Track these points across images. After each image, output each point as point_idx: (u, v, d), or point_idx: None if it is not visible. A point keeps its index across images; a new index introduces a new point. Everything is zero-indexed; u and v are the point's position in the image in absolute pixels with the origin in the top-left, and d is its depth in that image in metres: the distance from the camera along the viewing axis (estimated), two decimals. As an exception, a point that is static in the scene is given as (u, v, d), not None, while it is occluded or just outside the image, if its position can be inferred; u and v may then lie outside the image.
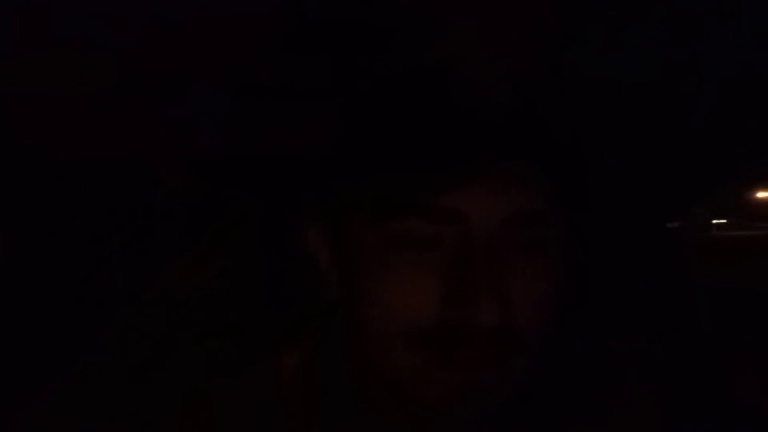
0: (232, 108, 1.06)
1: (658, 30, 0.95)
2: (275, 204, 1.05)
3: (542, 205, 0.54)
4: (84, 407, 0.98)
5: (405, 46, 0.60)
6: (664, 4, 0.94)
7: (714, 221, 2.72)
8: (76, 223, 1.10)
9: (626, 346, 0.69)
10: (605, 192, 0.89)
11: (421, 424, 0.59)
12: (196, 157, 1.11)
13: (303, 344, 0.65)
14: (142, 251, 1.10)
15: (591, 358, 0.67)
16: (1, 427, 0.96)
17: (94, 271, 1.09)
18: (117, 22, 1.02)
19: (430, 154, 0.52)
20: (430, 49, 0.57)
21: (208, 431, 0.62)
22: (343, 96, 0.65)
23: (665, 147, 1.01)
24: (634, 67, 0.96)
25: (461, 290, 0.52)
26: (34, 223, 1.10)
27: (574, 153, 0.56)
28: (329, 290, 0.61)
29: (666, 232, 1.08)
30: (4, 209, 1.08)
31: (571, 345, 0.66)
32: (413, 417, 0.59)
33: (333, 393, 0.62)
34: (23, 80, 1.04)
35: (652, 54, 0.96)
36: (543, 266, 0.54)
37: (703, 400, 0.67)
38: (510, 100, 0.54)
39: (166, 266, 1.10)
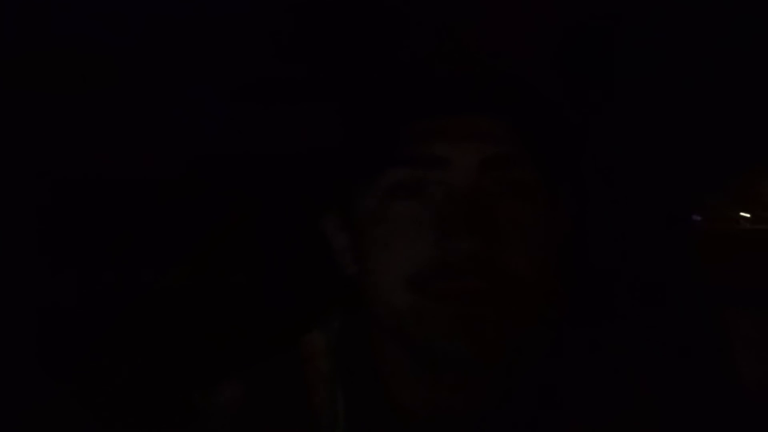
0: (235, 106, 1.06)
1: (675, 17, 0.95)
2: (292, 198, 1.06)
3: (518, 149, 0.59)
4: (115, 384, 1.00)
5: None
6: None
7: (742, 214, 2.72)
8: (88, 220, 1.11)
9: (626, 347, 0.69)
10: (610, 178, 0.90)
11: (437, 398, 0.61)
12: (206, 154, 1.11)
13: (327, 325, 0.70)
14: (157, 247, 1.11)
15: (591, 358, 0.67)
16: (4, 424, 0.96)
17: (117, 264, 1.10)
18: (117, 22, 1.02)
19: (411, 109, 0.59)
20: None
21: (239, 410, 0.66)
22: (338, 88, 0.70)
23: (682, 133, 1.01)
24: (653, 53, 0.95)
25: (448, 228, 0.57)
26: (34, 222, 1.10)
27: (543, 110, 0.60)
28: (346, 269, 0.66)
29: (677, 222, 1.08)
30: (6, 208, 1.08)
31: (571, 345, 0.66)
32: (429, 385, 0.61)
33: (356, 371, 0.66)
34: (23, 80, 1.04)
35: (672, 40, 0.96)
36: (530, 211, 0.59)
37: (703, 400, 0.67)
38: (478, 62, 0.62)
39: (185, 260, 1.11)
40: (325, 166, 0.67)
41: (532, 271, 0.58)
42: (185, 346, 1.04)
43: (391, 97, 0.61)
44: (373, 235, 0.61)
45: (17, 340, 1.06)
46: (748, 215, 2.75)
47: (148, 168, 1.12)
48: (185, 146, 1.10)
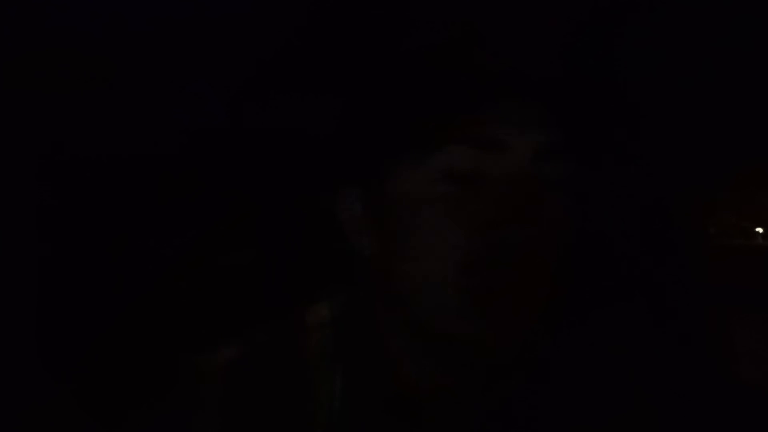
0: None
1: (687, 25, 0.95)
2: (304, 173, 1.05)
3: (560, 139, 0.59)
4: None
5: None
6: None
7: (758, 230, 2.71)
8: (92, 214, 1.11)
9: (626, 346, 0.69)
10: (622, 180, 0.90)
11: (441, 377, 0.61)
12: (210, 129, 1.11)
13: (332, 299, 0.69)
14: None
15: (591, 358, 0.67)
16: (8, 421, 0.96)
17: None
18: (117, 22, 1.02)
19: (470, 90, 0.58)
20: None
21: (240, 375, 0.65)
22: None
23: (690, 135, 1.00)
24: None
25: (498, 217, 0.56)
26: (34, 220, 1.10)
27: (586, 104, 0.60)
28: (361, 250, 0.64)
29: (681, 234, 1.08)
30: (8, 208, 1.08)
31: (570, 344, 0.66)
32: (435, 365, 0.61)
33: (359, 345, 0.65)
34: (23, 80, 1.04)
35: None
36: (563, 204, 0.59)
37: (703, 400, 0.66)
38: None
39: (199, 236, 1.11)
40: (358, 141, 0.65)
41: (541, 263, 0.58)
42: (187, 311, 1.05)
43: (449, 80, 0.59)
44: (414, 220, 0.59)
45: (17, 340, 1.06)
46: (761, 230, 2.74)
47: (148, 146, 1.12)
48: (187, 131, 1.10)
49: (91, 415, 0.98)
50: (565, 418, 0.63)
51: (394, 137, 0.61)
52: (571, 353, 0.66)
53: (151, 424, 0.67)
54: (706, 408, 0.66)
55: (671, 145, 0.98)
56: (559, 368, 0.64)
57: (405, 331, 0.62)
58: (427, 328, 0.59)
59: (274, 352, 0.66)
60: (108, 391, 1.01)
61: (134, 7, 1.01)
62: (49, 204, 1.10)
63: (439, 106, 0.58)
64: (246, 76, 1.06)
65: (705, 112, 0.99)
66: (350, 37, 0.97)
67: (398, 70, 0.62)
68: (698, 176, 1.03)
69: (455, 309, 0.57)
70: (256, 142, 1.11)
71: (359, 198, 0.64)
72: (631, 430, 0.64)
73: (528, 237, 0.56)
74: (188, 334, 1.02)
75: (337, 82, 0.95)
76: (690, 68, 0.97)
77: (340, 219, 0.65)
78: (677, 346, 0.75)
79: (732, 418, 0.67)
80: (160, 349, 0.97)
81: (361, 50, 0.94)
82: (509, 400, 0.61)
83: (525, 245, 0.56)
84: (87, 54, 1.04)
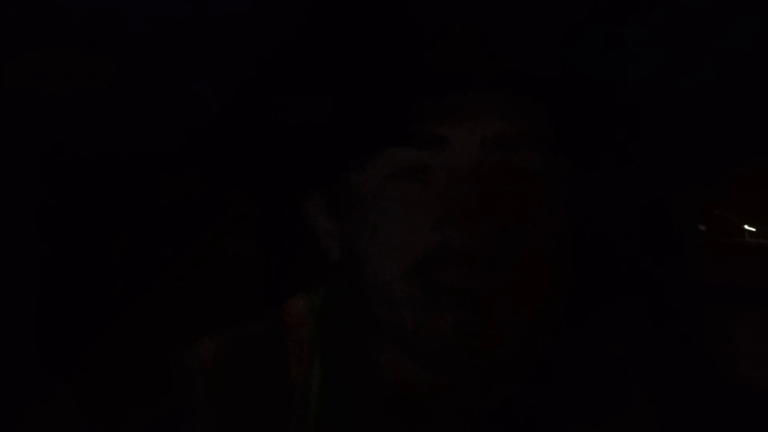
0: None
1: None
2: (271, 183, 1.05)
3: (522, 130, 0.56)
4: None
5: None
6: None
7: (747, 228, 2.70)
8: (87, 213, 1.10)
9: (626, 346, 0.69)
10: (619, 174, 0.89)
11: (425, 378, 0.60)
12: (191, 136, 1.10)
13: (310, 296, 0.69)
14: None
15: (591, 358, 0.67)
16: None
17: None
18: (117, 22, 1.02)
19: (410, 85, 0.57)
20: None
21: (220, 364, 0.66)
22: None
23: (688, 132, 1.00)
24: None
25: (449, 214, 0.55)
26: (34, 221, 1.10)
27: (552, 88, 0.59)
28: (329, 254, 0.65)
29: (681, 234, 1.07)
30: (8, 208, 1.08)
31: (570, 343, 0.66)
32: (418, 367, 0.60)
33: (338, 340, 0.66)
34: (23, 80, 1.04)
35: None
36: (533, 195, 0.57)
37: (703, 400, 0.66)
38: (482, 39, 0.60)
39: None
40: (315, 142, 0.64)
41: (534, 261, 0.57)
42: (187, 311, 1.04)
43: (389, 73, 0.59)
44: (369, 219, 0.59)
45: (17, 340, 1.06)
46: (753, 229, 2.73)
47: (148, 146, 1.11)
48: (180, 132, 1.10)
49: (91, 415, 0.98)
50: (565, 418, 0.63)
51: (342, 135, 0.61)
52: (571, 353, 0.66)
53: (151, 425, 0.67)
54: (706, 408, 0.66)
55: (671, 145, 0.98)
56: (559, 368, 0.64)
57: (377, 331, 0.62)
58: (402, 339, 0.59)
59: (253, 349, 0.66)
60: (107, 391, 1.01)
61: (134, 7, 1.01)
62: (49, 204, 1.10)
63: (374, 105, 0.58)
64: (246, 76, 1.06)
65: (705, 113, 0.99)
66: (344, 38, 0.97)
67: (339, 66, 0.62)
68: (698, 176, 1.02)
69: (410, 307, 0.56)
70: (255, 141, 1.11)
71: (324, 204, 0.64)
72: (631, 430, 0.64)
73: (485, 234, 0.54)
74: (188, 333, 1.02)
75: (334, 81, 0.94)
76: (690, 68, 0.97)
77: (309, 225, 0.65)
78: (677, 346, 0.75)
79: (732, 418, 0.67)
80: (159, 349, 0.97)
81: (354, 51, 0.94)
82: (509, 400, 0.61)
83: (481, 243, 0.54)
84: (87, 54, 1.04)
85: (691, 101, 0.99)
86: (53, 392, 1.01)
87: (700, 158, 1.04)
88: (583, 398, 0.63)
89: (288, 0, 1.01)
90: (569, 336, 0.65)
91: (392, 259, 0.57)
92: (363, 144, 0.59)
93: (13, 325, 1.06)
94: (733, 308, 1.04)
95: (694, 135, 0.99)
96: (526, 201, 0.57)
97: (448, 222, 0.55)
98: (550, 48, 0.65)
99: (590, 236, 0.76)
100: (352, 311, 0.64)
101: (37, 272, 1.09)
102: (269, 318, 0.68)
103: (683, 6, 0.93)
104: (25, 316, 1.07)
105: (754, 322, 1.19)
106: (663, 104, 1.01)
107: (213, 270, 1.09)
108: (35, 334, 1.07)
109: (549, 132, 0.59)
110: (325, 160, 0.65)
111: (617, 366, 0.66)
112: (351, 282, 0.63)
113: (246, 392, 0.64)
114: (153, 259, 1.12)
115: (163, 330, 1.00)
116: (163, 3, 1.00)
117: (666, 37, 0.97)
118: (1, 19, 1.00)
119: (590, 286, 0.75)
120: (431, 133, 0.57)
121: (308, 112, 0.68)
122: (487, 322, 0.56)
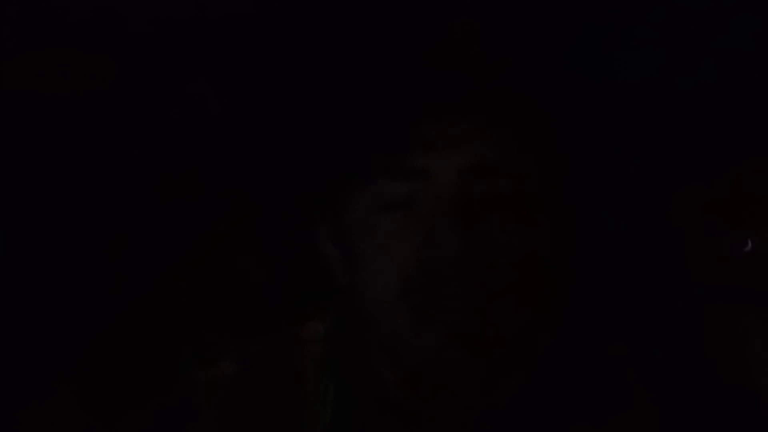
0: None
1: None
2: (271, 182, 1.06)
3: (498, 158, 0.57)
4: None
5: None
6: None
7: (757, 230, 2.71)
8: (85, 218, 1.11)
9: (626, 347, 0.69)
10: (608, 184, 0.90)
11: (433, 392, 0.62)
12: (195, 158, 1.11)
13: (322, 318, 0.72)
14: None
15: (591, 358, 0.67)
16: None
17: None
18: (117, 22, 1.02)
19: (390, 117, 0.60)
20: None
21: (229, 386, 0.69)
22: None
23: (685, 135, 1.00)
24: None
25: (430, 241, 0.58)
26: (34, 220, 1.10)
27: (527, 116, 0.60)
28: (339, 280, 0.68)
29: (681, 234, 1.07)
30: (8, 208, 1.08)
31: (570, 344, 0.66)
32: (412, 387, 0.62)
33: (350, 359, 0.69)
34: (23, 80, 1.04)
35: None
36: (514, 220, 0.58)
37: (703, 401, 0.66)
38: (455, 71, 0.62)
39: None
40: (314, 143, 0.67)
41: (518, 279, 0.58)
42: (187, 311, 1.05)
43: (369, 104, 0.61)
44: (359, 248, 0.62)
45: (17, 340, 1.06)
46: (761, 230, 2.73)
47: (148, 146, 1.12)
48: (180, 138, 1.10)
49: (91, 415, 0.98)
50: (565, 418, 0.63)
51: (330, 170, 0.63)
52: (571, 353, 0.66)
53: (151, 426, 0.68)
54: (706, 408, 0.66)
55: (671, 145, 0.98)
56: (559, 368, 0.65)
57: (378, 348, 0.64)
58: (390, 349, 0.61)
59: (269, 364, 0.68)
60: (108, 392, 1.01)
61: (134, 7, 1.01)
62: (49, 204, 1.10)
63: (373, 105, 0.60)
64: (246, 76, 1.06)
65: (704, 112, 0.99)
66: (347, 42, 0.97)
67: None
68: (698, 176, 1.02)
69: (400, 329, 0.59)
70: (255, 142, 1.11)
71: (330, 234, 0.66)
72: (631, 430, 0.64)
73: (466, 254, 0.57)
74: (188, 335, 1.02)
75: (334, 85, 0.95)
76: (689, 68, 0.97)
77: (322, 253, 0.68)
78: (677, 346, 0.75)
79: (732, 418, 0.67)
80: (160, 350, 0.97)
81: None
82: (509, 400, 0.62)
83: (462, 263, 0.57)
84: (87, 54, 1.04)
85: (690, 101, 0.99)
86: (53, 392, 1.01)
87: (700, 158, 1.04)
88: (583, 398, 0.64)
89: (288, 0, 1.01)
90: (569, 336, 0.66)
91: (380, 286, 0.60)
92: (346, 177, 0.61)
93: (13, 325, 1.06)
94: (733, 308, 1.04)
95: (694, 135, 0.99)
96: (506, 223, 0.59)
97: (431, 245, 0.57)
98: (549, 48, 0.65)
99: (590, 236, 0.76)
100: (356, 331, 0.66)
101: (38, 272, 1.09)
102: (285, 336, 0.71)
103: (683, 6, 0.93)
104: (25, 316, 1.07)
105: (754, 322, 1.19)
106: (663, 104, 1.01)
107: (226, 291, 1.10)
108: (35, 334, 1.07)
109: (528, 158, 0.61)
110: (324, 161, 0.67)
111: (617, 366, 0.67)
112: (352, 305, 0.65)
113: (255, 405, 0.66)
114: (153, 259, 1.12)
115: (163, 331, 1.00)
116: (163, 3, 1.01)
117: (666, 37, 0.97)
118: (1, 19, 1.00)
119: (590, 286, 0.75)
120: (412, 165, 0.60)
121: (308, 113, 0.69)
122: (474, 339, 0.57)
